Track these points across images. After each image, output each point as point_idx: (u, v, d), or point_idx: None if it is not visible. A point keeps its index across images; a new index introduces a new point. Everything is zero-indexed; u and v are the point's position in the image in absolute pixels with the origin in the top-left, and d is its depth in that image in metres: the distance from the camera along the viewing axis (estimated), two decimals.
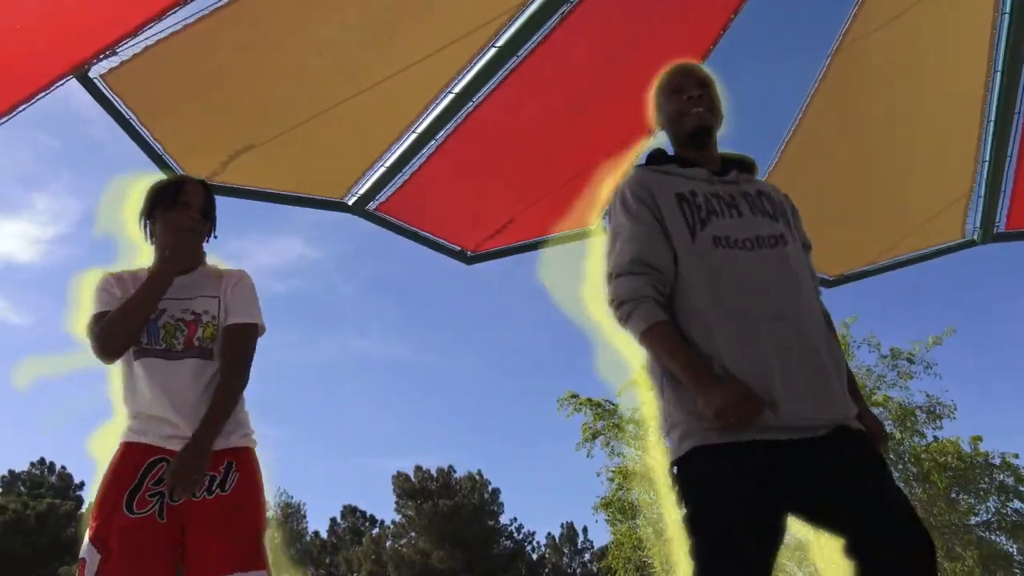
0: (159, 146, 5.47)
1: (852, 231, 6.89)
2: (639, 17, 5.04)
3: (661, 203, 2.30)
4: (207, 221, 2.92)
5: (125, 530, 2.51)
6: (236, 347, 2.80)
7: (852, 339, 22.73)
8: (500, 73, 5.06)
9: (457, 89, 5.19)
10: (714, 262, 2.22)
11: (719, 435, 2.05)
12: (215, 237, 2.95)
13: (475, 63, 4.99)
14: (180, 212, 2.81)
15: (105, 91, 4.96)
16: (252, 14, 4.67)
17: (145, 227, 2.93)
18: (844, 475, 2.07)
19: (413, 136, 5.57)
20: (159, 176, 4.04)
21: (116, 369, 2.82)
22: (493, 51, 4.88)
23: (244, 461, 2.75)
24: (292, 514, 45.62)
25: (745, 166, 2.50)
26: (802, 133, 5.99)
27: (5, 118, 4.36)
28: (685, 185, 2.34)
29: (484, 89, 5.18)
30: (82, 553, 2.52)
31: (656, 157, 2.50)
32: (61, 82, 4.21)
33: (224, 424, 2.70)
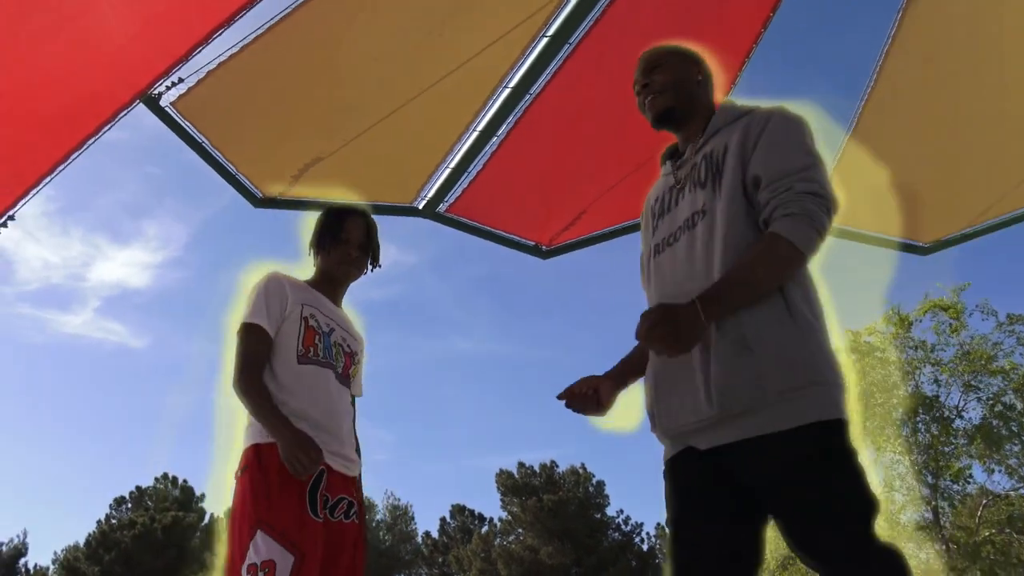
0: (232, 167, 5.61)
1: (946, 192, 6.50)
2: None
3: (643, 225, 2.41)
4: (366, 254, 3.01)
5: (315, 533, 2.47)
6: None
7: (965, 307, 21.69)
8: (555, 62, 4.98)
9: (513, 83, 5.14)
10: (649, 274, 2.28)
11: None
12: (379, 267, 3.04)
13: (528, 55, 4.93)
14: (341, 250, 2.93)
15: (177, 118, 5.10)
16: (303, 28, 4.72)
17: (313, 256, 3.05)
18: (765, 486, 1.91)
19: (474, 135, 5.55)
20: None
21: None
22: (545, 41, 4.81)
23: (360, 491, 2.87)
24: (400, 516, 46.57)
25: (711, 125, 2.25)
26: (881, 91, 5.69)
27: (79, 151, 4.52)
28: (658, 189, 2.36)
29: (540, 80, 5.12)
30: (264, 554, 2.35)
31: (664, 156, 2.46)
32: (125, 112, 4.29)
33: None
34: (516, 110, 5.37)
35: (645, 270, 2.30)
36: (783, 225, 1.93)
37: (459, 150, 5.72)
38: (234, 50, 4.79)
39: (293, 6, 4.61)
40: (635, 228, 6.52)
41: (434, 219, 6.35)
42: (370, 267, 2.99)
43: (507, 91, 5.20)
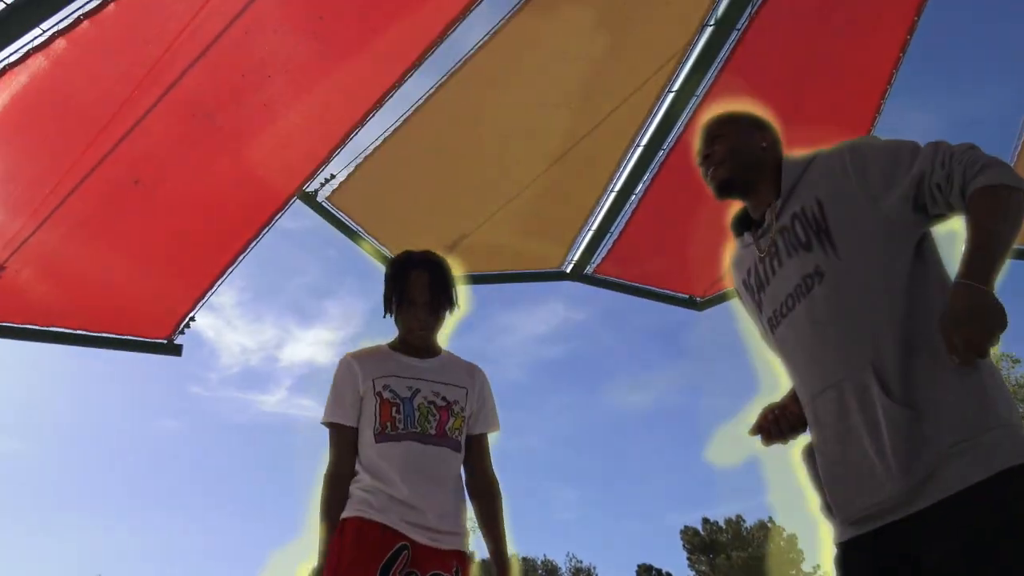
0: (386, 250, 5.93)
1: None
2: (812, 38, 4.76)
3: (744, 303, 2.29)
4: (439, 308, 2.69)
5: None
6: (489, 458, 2.79)
7: None
8: (684, 114, 4.97)
9: (644, 141, 5.17)
10: (778, 350, 2.14)
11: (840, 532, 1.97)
12: (456, 307, 2.76)
13: (656, 111, 4.95)
14: (408, 313, 2.67)
15: (332, 211, 5.47)
16: (438, 115, 4.97)
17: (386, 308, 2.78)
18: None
19: (612, 195, 5.60)
20: None
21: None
22: (671, 96, 4.82)
23: (468, 567, 2.59)
24: None
25: (783, 185, 2.10)
26: None
27: (252, 244, 4.87)
28: (746, 263, 2.21)
29: (672, 134, 5.11)
30: None
31: (734, 223, 2.30)
32: (286, 208, 4.62)
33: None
34: (651, 166, 5.38)
35: (770, 345, 2.19)
36: (990, 176, 1.75)
37: (599, 211, 5.77)
38: (377, 143, 5.13)
39: (427, 96, 4.89)
40: None
41: (583, 281, 6.40)
42: (449, 312, 2.74)
43: (640, 149, 5.23)
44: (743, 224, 2.23)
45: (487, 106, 5.15)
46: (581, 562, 46.90)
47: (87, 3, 3.23)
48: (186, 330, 4.94)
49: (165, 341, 4.99)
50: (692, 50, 4.61)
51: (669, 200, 5.85)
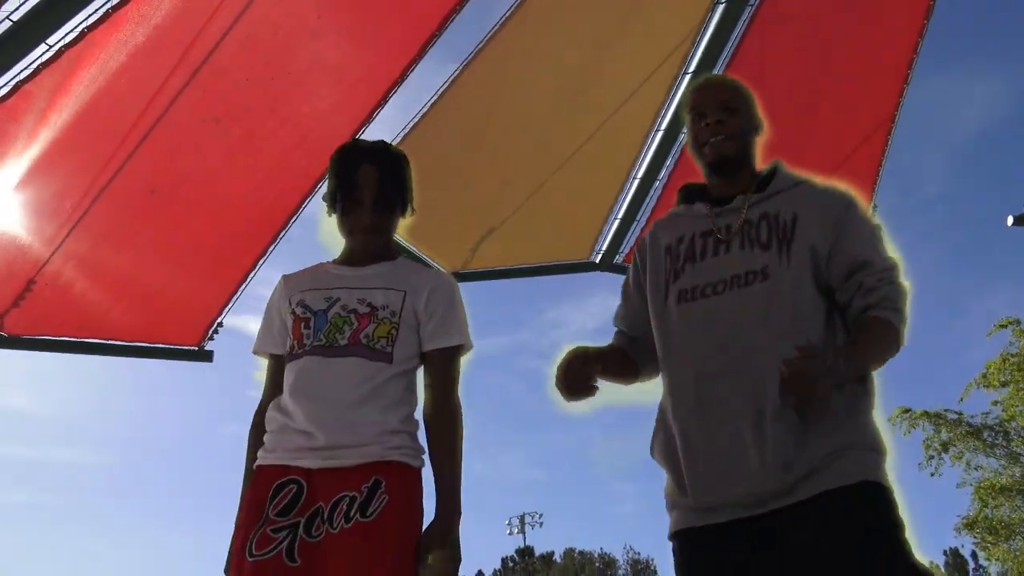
0: (414, 248, 5.93)
1: None
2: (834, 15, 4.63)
3: (651, 258, 2.20)
4: (388, 207, 2.28)
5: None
6: (446, 382, 2.25)
7: None
8: None
9: (664, 125, 5.08)
10: (672, 320, 2.08)
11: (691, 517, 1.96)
12: (412, 211, 2.37)
13: (674, 94, 4.87)
14: (354, 215, 2.25)
15: None
16: (454, 111, 4.96)
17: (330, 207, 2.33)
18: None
19: (635, 183, 5.52)
20: None
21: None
22: (687, 78, 4.72)
23: (396, 481, 2.08)
24: (642, 570, 45.54)
25: (764, 181, 2.12)
26: None
27: (274, 243, 4.89)
28: (679, 229, 2.15)
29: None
30: None
31: (685, 191, 2.26)
32: (303, 206, 4.63)
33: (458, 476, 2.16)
34: (673, 151, 5.28)
35: (661, 313, 2.11)
36: (895, 318, 1.95)
37: (624, 200, 5.69)
38: (397, 140, 5.14)
39: (442, 90, 4.88)
40: None
41: (613, 271, 6.32)
42: (402, 214, 2.33)
43: (660, 134, 5.15)
44: (693, 195, 2.21)
45: (503, 98, 5.12)
46: (639, 555, 46.65)
47: (90, 16, 3.29)
48: (215, 336, 5.01)
49: (196, 348, 5.06)
50: (705, 29, 4.50)
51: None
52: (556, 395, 2.07)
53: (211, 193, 4.20)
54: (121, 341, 4.70)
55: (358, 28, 3.86)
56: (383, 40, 3.98)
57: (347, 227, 2.26)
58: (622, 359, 2.25)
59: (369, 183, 2.20)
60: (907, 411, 17.28)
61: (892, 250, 2.05)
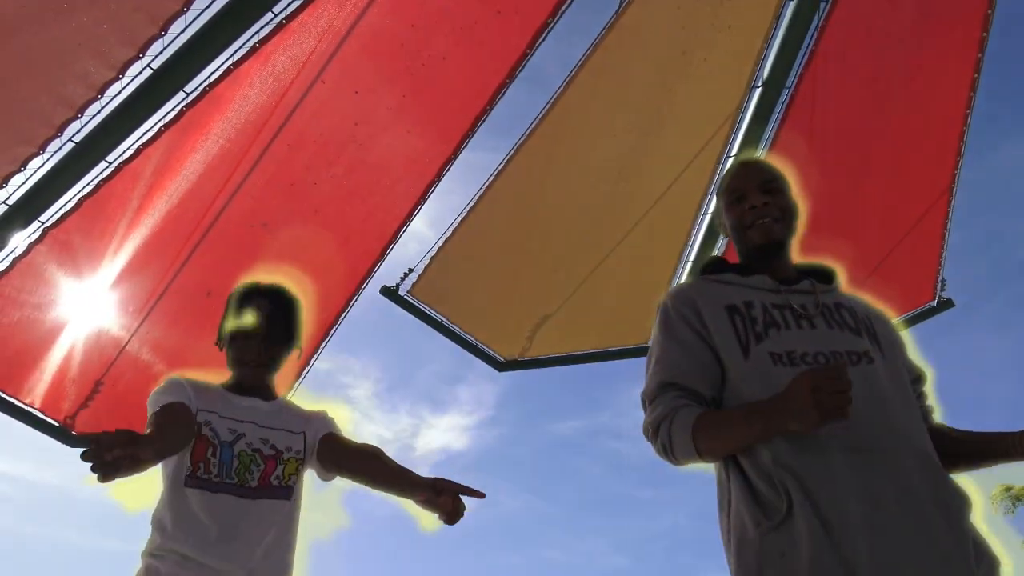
0: (471, 337, 5.99)
1: None
2: (863, 94, 4.59)
3: (707, 316, 1.91)
4: (277, 341, 2.41)
5: None
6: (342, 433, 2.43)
7: None
8: None
9: (711, 208, 5.06)
10: (770, 382, 1.74)
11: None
12: (297, 347, 2.51)
13: (716, 178, 4.86)
14: (237, 347, 2.38)
15: (416, 304, 5.59)
16: (502, 201, 5.06)
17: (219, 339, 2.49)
18: None
19: (687, 265, 5.48)
20: None
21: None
22: (730, 161, 4.72)
23: None
24: None
25: (823, 276, 2.05)
26: None
27: (332, 331, 5.01)
28: (741, 295, 1.94)
29: None
30: None
31: (713, 265, 2.11)
32: (355, 297, 4.73)
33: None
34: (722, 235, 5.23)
35: (747, 372, 1.82)
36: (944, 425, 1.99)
37: (676, 283, 5.65)
38: (448, 234, 5.26)
39: (487, 185, 5.00)
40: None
41: None
42: (287, 350, 2.44)
43: (707, 217, 5.12)
44: (724, 268, 2.10)
45: (550, 188, 5.20)
46: None
47: (143, 135, 3.53)
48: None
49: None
50: (744, 112, 4.52)
51: None
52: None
53: None
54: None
55: (394, 134, 4.00)
56: (418, 146, 4.12)
57: (236, 356, 2.38)
58: None
59: (254, 317, 2.35)
60: (1009, 488, 16.22)
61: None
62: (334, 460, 2.38)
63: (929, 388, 2.00)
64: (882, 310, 2.05)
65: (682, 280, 5.72)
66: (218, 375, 2.51)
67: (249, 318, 2.35)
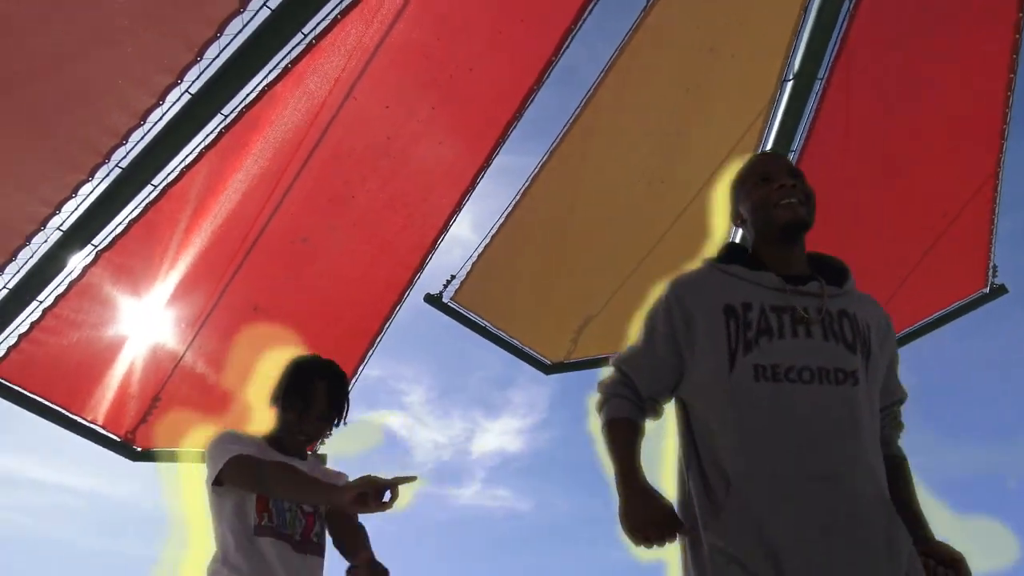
0: (516, 341, 6.04)
1: None
2: (899, 80, 4.53)
3: (699, 316, 1.92)
4: (330, 422, 2.68)
5: None
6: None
7: None
8: None
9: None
10: (749, 399, 1.80)
11: None
12: (344, 423, 2.75)
13: None
14: (306, 418, 2.61)
15: (460, 310, 5.67)
16: (537, 207, 5.11)
17: (275, 409, 2.70)
18: None
19: None
20: None
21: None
22: None
23: None
24: None
25: (835, 273, 2.01)
26: None
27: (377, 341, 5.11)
28: (742, 294, 1.91)
29: None
30: None
31: (725, 253, 2.08)
32: (398, 307, 4.83)
33: None
34: None
35: (725, 386, 1.86)
36: (902, 454, 2.05)
37: None
38: (487, 240, 5.33)
39: (523, 190, 5.05)
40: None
41: None
42: (336, 426, 2.71)
43: None
44: (733, 257, 2.06)
45: (583, 189, 5.23)
46: None
47: (186, 157, 3.67)
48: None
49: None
50: (777, 107, 4.49)
51: None
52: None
53: (307, 307, 4.48)
54: None
55: (427, 146, 4.09)
56: (450, 156, 4.19)
57: (298, 428, 2.59)
58: (639, 444, 2.04)
59: (320, 398, 2.58)
60: None
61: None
62: (333, 528, 2.67)
63: (900, 410, 2.05)
64: (887, 319, 2.02)
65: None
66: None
67: (321, 401, 2.59)
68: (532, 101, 4.21)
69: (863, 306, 1.97)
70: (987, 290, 5.71)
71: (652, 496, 1.85)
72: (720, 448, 1.84)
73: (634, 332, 2.10)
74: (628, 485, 1.87)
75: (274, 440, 2.62)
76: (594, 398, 2.12)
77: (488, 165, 4.44)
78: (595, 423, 2.09)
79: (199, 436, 5.01)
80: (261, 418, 5.23)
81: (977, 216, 5.25)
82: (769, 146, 4.70)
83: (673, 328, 1.96)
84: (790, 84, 4.35)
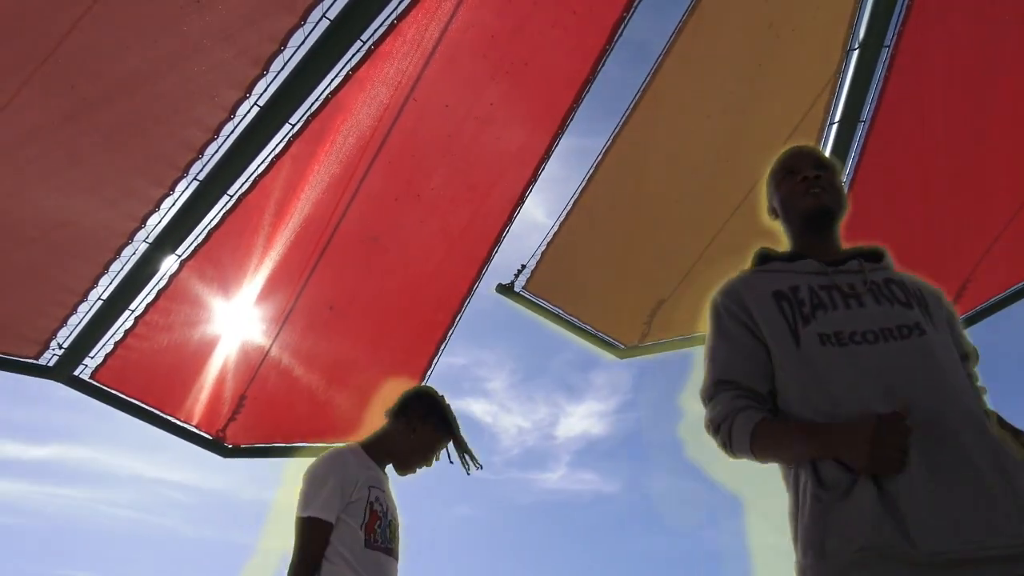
0: (590, 327, 6.09)
1: None
2: (971, 45, 4.34)
3: (754, 307, 1.96)
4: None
5: None
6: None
7: None
8: (855, 145, 4.71)
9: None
10: (820, 365, 1.80)
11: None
12: (480, 467, 3.02)
13: (823, 145, 4.73)
14: (427, 458, 2.90)
15: (532, 298, 5.74)
16: (602, 193, 5.12)
17: (394, 424, 2.92)
18: None
19: None
20: None
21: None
22: (835, 128, 4.60)
23: None
24: None
25: (872, 256, 2.03)
26: None
27: (449, 333, 5.23)
28: (787, 281, 1.96)
29: (848, 167, 4.85)
30: None
31: (759, 258, 2.13)
32: (467, 300, 4.93)
33: None
34: None
35: (799, 358, 1.86)
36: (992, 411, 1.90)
37: None
38: (555, 228, 5.37)
39: (588, 177, 5.07)
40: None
41: None
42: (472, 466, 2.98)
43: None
44: (767, 260, 2.11)
45: (649, 172, 5.22)
46: None
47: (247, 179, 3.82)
48: None
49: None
50: (843, 77, 4.39)
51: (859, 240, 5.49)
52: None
53: (378, 304, 4.60)
54: (320, 443, 5.18)
55: (485, 143, 4.15)
56: (509, 150, 4.24)
57: (417, 460, 2.86)
58: None
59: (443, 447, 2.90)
60: None
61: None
62: None
63: (976, 370, 1.97)
64: (937, 289, 2.01)
65: None
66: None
67: (442, 444, 2.92)
68: (587, 93, 4.22)
69: (908, 277, 2.00)
70: None
71: (847, 424, 1.73)
72: (813, 417, 1.79)
73: (704, 360, 2.03)
74: (836, 430, 1.73)
75: (373, 446, 2.83)
76: (713, 440, 1.97)
77: (550, 153, 4.47)
78: (735, 457, 1.92)
79: (284, 431, 5.24)
80: (342, 414, 5.44)
81: None
82: (838, 117, 4.61)
83: (742, 322, 1.96)
84: (855, 53, 4.24)
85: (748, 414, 1.87)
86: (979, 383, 1.96)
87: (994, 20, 4.11)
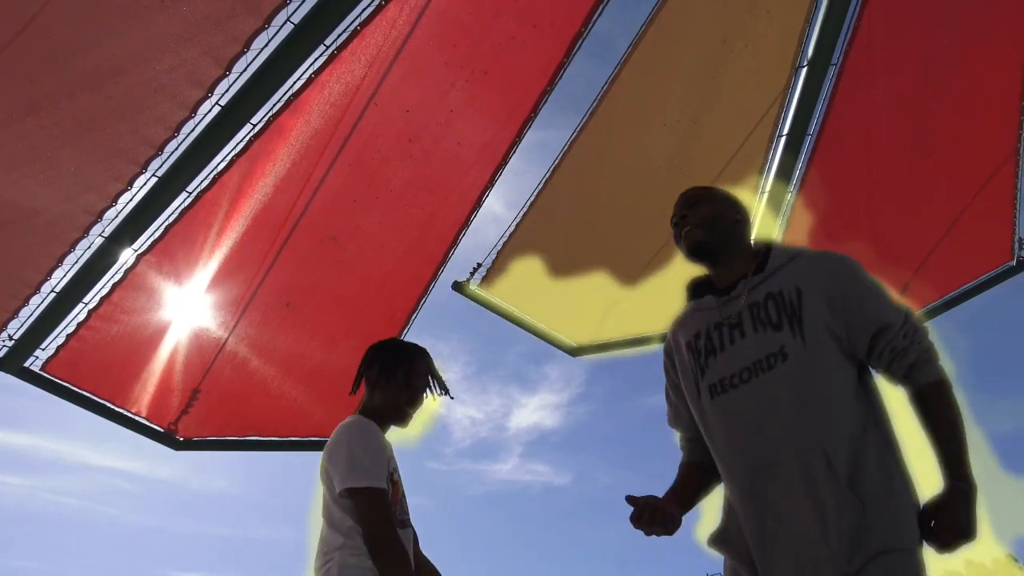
0: (544, 326, 6.19)
1: None
2: (914, 62, 4.54)
3: (678, 360, 2.27)
4: (423, 394, 2.80)
5: None
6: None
7: None
8: (801, 157, 4.88)
9: (767, 188, 5.10)
10: (713, 417, 2.11)
11: None
12: (450, 396, 2.92)
13: (770, 160, 4.90)
14: (410, 395, 2.73)
15: (487, 296, 5.81)
16: (563, 194, 5.21)
17: (374, 387, 2.74)
18: None
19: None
20: None
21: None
22: (783, 141, 4.76)
23: None
24: None
25: (761, 261, 2.16)
26: None
27: (405, 331, 5.30)
28: (695, 326, 2.21)
29: (794, 176, 5.02)
30: None
31: (690, 291, 2.37)
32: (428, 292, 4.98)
33: None
34: (783, 211, 5.27)
35: (700, 411, 2.15)
36: (936, 370, 1.97)
37: None
38: (511, 228, 5.45)
39: (545, 180, 5.16)
40: None
41: None
42: (442, 396, 2.85)
43: (765, 195, 5.16)
44: (701, 289, 2.29)
45: (604, 178, 5.33)
46: None
47: (217, 165, 3.84)
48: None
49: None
50: (792, 93, 4.55)
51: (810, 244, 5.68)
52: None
53: (337, 300, 4.65)
54: (274, 437, 5.21)
55: (445, 148, 4.21)
56: (468, 157, 4.31)
57: (399, 402, 2.69)
58: (696, 478, 2.24)
59: (421, 374, 2.76)
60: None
61: (895, 297, 2.06)
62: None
63: (895, 336, 1.96)
64: (831, 264, 2.06)
65: None
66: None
67: (423, 377, 2.77)
68: (544, 104, 4.31)
69: (792, 274, 2.08)
70: (1014, 262, 5.77)
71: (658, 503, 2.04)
72: (719, 464, 2.13)
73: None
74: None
75: (374, 414, 2.67)
76: None
77: (507, 160, 4.56)
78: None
79: (237, 425, 5.25)
80: (297, 408, 5.47)
81: (1001, 192, 5.27)
82: (786, 131, 4.77)
83: (674, 382, 2.31)
84: (804, 71, 4.40)
85: (681, 461, 2.32)
86: (901, 349, 1.96)
87: (937, 44, 4.30)
